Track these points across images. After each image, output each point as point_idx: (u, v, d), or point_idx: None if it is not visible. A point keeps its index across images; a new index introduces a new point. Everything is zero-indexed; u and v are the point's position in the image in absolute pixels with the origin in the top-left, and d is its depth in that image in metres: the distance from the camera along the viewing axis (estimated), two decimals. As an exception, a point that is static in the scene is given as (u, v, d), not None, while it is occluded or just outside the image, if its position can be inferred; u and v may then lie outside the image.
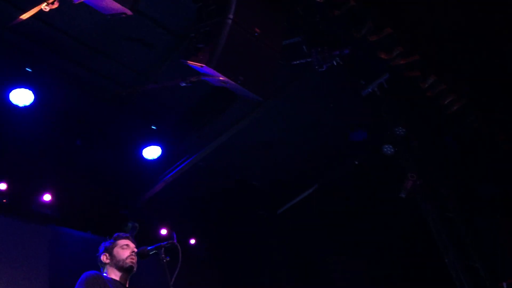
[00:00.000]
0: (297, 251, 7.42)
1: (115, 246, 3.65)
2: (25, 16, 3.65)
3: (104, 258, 3.66)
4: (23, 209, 5.49)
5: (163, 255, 3.21)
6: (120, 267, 3.57)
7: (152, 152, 5.78)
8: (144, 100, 5.49)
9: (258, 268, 7.11)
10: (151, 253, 3.38)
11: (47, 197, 5.60)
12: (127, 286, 3.61)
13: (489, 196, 5.90)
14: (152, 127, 5.80)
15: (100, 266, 3.70)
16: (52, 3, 3.34)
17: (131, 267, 3.59)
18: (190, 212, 6.86)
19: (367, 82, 5.23)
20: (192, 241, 6.83)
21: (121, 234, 3.77)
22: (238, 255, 7.09)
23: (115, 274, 3.57)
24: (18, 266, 5.22)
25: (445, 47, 5.04)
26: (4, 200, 5.28)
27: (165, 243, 3.28)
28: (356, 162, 6.47)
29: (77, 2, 3.49)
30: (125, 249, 3.62)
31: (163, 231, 6.46)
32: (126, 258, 3.57)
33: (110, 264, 3.61)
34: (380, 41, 4.77)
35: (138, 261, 3.64)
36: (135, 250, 3.61)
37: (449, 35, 4.87)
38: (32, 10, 3.46)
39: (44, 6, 3.35)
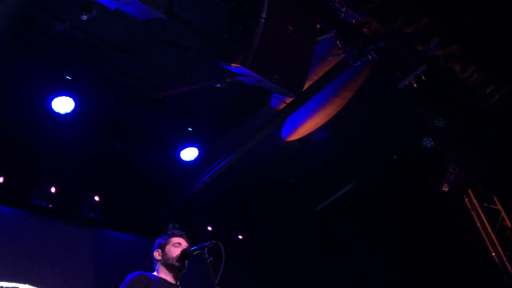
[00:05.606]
0: (336, 249, 7.34)
1: (168, 244, 3.59)
2: None
3: (156, 254, 3.61)
4: (68, 212, 5.65)
5: (206, 255, 3.20)
6: (169, 265, 3.53)
7: (189, 154, 5.86)
8: (180, 102, 5.56)
9: (296, 266, 7.07)
10: (194, 253, 3.37)
11: (94, 200, 5.73)
12: (178, 284, 3.59)
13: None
14: (189, 129, 5.87)
15: (154, 263, 3.69)
16: (90, 11, 3.42)
17: (180, 266, 3.56)
18: (229, 211, 6.89)
19: (403, 75, 5.12)
20: (233, 240, 6.87)
21: (175, 231, 3.68)
22: (277, 253, 7.08)
23: (164, 273, 3.54)
24: (65, 267, 5.38)
25: (484, 35, 4.87)
26: (51, 205, 5.45)
27: (208, 243, 3.26)
28: (395, 156, 6.35)
29: (113, 10, 3.56)
30: (177, 247, 3.57)
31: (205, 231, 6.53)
32: (176, 256, 3.54)
33: (162, 262, 3.56)
34: (416, 32, 4.66)
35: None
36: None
37: (488, 22, 4.70)
38: None
39: (82, 15, 3.43)
